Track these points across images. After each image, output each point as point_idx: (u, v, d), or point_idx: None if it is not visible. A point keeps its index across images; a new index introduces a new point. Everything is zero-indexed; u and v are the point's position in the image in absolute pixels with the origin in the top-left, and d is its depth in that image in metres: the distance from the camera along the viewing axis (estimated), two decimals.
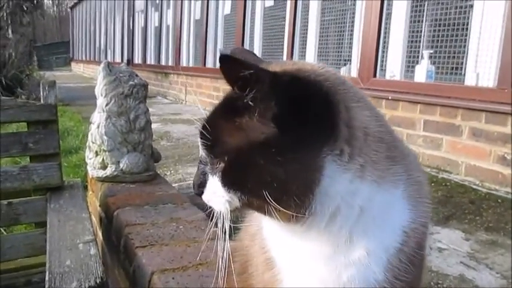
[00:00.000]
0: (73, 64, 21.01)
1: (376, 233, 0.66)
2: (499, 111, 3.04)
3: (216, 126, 0.65)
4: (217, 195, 0.66)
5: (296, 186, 0.61)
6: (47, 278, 1.22)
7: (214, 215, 0.68)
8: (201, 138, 0.67)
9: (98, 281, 1.19)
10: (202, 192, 0.67)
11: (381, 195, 0.65)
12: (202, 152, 0.68)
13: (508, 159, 2.96)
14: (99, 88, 2.30)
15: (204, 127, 0.66)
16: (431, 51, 3.87)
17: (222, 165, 0.64)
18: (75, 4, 20.56)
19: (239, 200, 0.63)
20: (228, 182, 0.64)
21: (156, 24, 10.28)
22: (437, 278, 1.76)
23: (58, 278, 1.21)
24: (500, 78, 3.13)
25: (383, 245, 0.67)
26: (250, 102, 0.61)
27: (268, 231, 0.74)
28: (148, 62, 10.68)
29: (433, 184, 3.08)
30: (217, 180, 0.65)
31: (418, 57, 4.18)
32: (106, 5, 14.79)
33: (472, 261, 1.92)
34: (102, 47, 15.60)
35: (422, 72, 3.80)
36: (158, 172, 3.02)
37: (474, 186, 3.05)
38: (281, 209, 0.61)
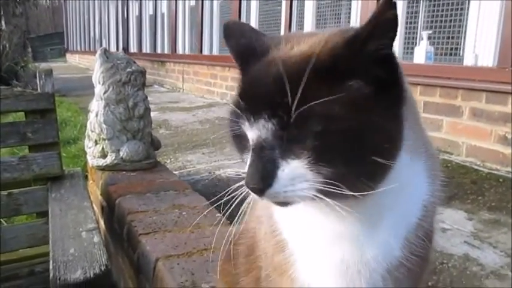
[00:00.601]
0: (68, 55, 20.82)
1: (401, 209, 0.65)
2: (500, 90, 3.02)
3: (305, 98, 0.54)
4: (298, 182, 0.56)
5: (398, 144, 0.58)
6: (51, 267, 1.21)
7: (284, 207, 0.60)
8: (274, 116, 0.55)
9: (102, 268, 1.18)
10: (271, 185, 0.56)
11: (409, 167, 0.63)
12: (268, 135, 0.56)
13: (509, 139, 2.95)
14: (97, 76, 2.27)
15: (280, 102, 0.55)
16: (430, 32, 3.83)
17: (312, 142, 0.55)
18: None
19: (326, 180, 0.55)
20: (326, 158, 0.55)
21: (151, 12, 10.18)
22: (442, 257, 1.75)
23: (62, 267, 1.20)
24: (500, 58, 3.10)
25: (405, 221, 0.66)
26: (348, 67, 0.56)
27: (282, 214, 0.71)
28: (144, 51, 10.60)
29: None
30: (302, 163, 0.55)
31: (416, 38, 4.14)
32: None
33: (476, 241, 1.92)
34: (97, 36, 15.45)
35: (421, 53, 3.76)
36: (158, 160, 3.01)
37: (475, 167, 3.05)
38: (377, 177, 0.57)
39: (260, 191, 0.56)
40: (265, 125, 0.56)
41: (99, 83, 2.25)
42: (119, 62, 2.25)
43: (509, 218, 2.19)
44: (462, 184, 2.70)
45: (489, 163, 3.06)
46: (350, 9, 4.92)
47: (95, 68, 2.28)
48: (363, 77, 0.56)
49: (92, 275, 1.15)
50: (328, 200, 0.56)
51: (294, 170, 0.56)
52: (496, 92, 3.05)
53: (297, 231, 0.69)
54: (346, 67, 0.56)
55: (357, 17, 4.41)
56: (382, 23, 0.55)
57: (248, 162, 0.58)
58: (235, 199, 0.64)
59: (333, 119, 0.54)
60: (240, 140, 0.61)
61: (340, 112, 0.54)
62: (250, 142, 0.58)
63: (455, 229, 2.04)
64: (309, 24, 5.32)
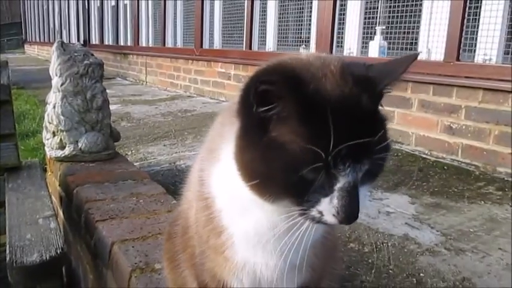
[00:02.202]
0: (26, 46, 20.13)
1: None
2: (445, 83, 3.21)
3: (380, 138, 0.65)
4: (365, 200, 0.69)
5: None
6: (7, 252, 1.26)
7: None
8: (368, 159, 0.64)
9: (58, 251, 1.24)
10: (358, 216, 0.66)
11: None
12: (360, 176, 0.65)
13: (454, 128, 3.15)
14: (54, 68, 2.29)
15: (370, 146, 0.64)
16: (384, 27, 4.00)
17: (371, 167, 0.65)
18: None
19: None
20: (378, 174, 0.70)
21: (113, 3, 10.00)
22: (383, 238, 1.90)
23: (19, 251, 1.25)
24: (446, 52, 3.29)
25: None
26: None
27: (227, 202, 0.79)
28: (106, 43, 10.41)
29: None
30: (365, 186, 0.68)
31: (374, 33, 4.30)
32: None
33: (416, 222, 2.08)
34: (57, 27, 15.01)
35: (375, 48, 3.93)
36: (119, 152, 3.05)
37: (423, 155, 3.24)
38: None
39: (353, 221, 0.66)
40: (361, 168, 0.64)
41: (56, 75, 2.27)
42: (76, 54, 2.27)
43: (449, 201, 2.37)
44: (409, 171, 2.88)
45: (436, 152, 3.25)
46: (311, 8, 5.02)
47: (52, 60, 2.29)
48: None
49: (48, 258, 1.21)
50: None
51: (364, 194, 0.68)
52: (442, 84, 3.24)
53: (238, 220, 0.79)
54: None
55: (317, 15, 4.52)
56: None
57: (342, 202, 0.64)
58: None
59: (388, 147, 0.67)
60: (305, 182, 0.64)
61: (386, 136, 0.67)
62: (344, 185, 0.63)
63: (399, 212, 2.19)
64: (271, 20, 5.40)
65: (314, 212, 0.66)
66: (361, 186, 0.66)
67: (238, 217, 0.79)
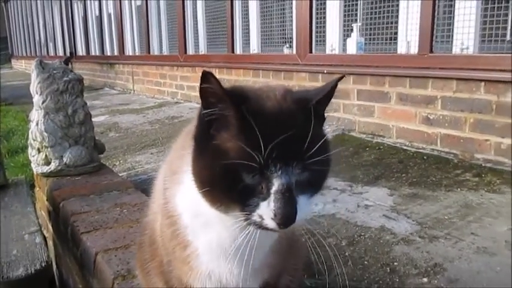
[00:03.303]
0: (13, 61, 20.09)
1: None
2: (421, 75, 3.29)
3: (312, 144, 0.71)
4: (307, 210, 0.73)
5: None
6: None
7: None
8: (299, 159, 0.70)
9: (43, 265, 1.31)
10: (295, 220, 0.70)
11: None
12: (293, 179, 0.70)
13: (431, 119, 3.23)
14: (34, 86, 2.35)
15: (301, 150, 0.70)
16: (360, 24, 4.08)
17: (308, 177, 0.72)
18: None
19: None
20: (318, 186, 0.76)
21: (97, 13, 10.02)
22: (360, 231, 1.97)
23: (5, 267, 1.31)
24: (420, 45, 3.38)
25: None
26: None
27: (191, 220, 0.85)
28: (92, 53, 10.44)
29: (367, 149, 3.33)
30: (307, 196, 0.74)
31: (351, 30, 4.38)
32: None
33: (393, 213, 2.16)
34: (43, 41, 15.01)
35: (352, 44, 4.01)
36: (107, 163, 3.11)
37: (404, 147, 3.32)
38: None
39: (290, 225, 0.70)
40: (293, 171, 0.70)
41: (37, 93, 2.33)
42: (55, 71, 2.33)
43: (427, 190, 2.45)
44: (390, 164, 2.96)
45: (416, 143, 3.34)
46: (292, 7, 5.08)
47: (32, 78, 2.35)
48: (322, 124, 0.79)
49: (33, 271, 1.27)
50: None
51: (305, 203, 0.73)
52: (418, 77, 3.32)
53: (202, 234, 0.85)
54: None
55: (296, 15, 4.58)
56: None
57: (278, 205, 0.68)
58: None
59: (321, 152, 0.72)
60: (238, 179, 0.70)
61: (323, 147, 0.72)
62: (278, 187, 0.68)
63: (377, 205, 2.27)
64: (254, 22, 5.46)
65: (255, 217, 0.71)
66: (301, 194, 0.72)
67: (202, 232, 0.85)
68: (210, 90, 0.70)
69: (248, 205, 0.71)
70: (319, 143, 0.71)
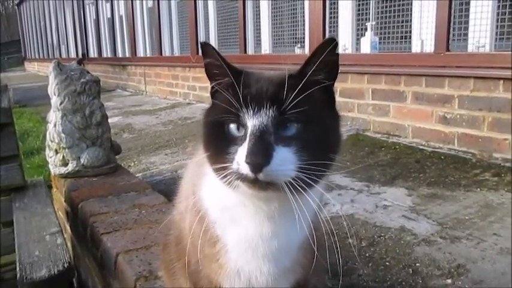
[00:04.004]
0: (26, 63, 20.34)
1: (314, 201, 0.85)
2: (437, 74, 3.26)
3: (302, 93, 0.73)
4: (287, 163, 0.71)
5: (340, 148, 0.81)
6: (17, 269, 1.33)
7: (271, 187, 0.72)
8: (273, 102, 0.73)
9: (65, 266, 1.31)
10: (269, 163, 0.69)
11: None
12: (268, 122, 0.72)
13: (448, 118, 3.19)
14: (52, 88, 2.36)
15: (278, 97, 0.73)
16: (374, 23, 4.05)
17: (294, 132, 0.73)
18: (22, 0, 19.78)
19: (299, 169, 0.72)
20: (306, 148, 0.73)
21: (109, 15, 10.10)
22: (380, 231, 1.95)
23: (28, 268, 1.32)
24: (436, 43, 3.34)
25: (312, 209, 0.84)
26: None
27: (218, 214, 0.85)
28: (104, 55, 10.52)
29: (383, 149, 3.29)
30: (290, 149, 0.72)
31: (365, 29, 4.35)
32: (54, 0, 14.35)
33: (412, 214, 2.13)
34: (55, 43, 15.18)
35: (366, 43, 3.98)
36: (122, 164, 3.12)
37: (421, 147, 3.28)
38: (328, 171, 0.78)
39: (259, 167, 0.69)
40: (267, 113, 0.72)
41: (55, 94, 2.34)
42: (72, 73, 2.34)
43: (445, 190, 2.42)
44: (407, 164, 2.93)
45: (432, 142, 3.30)
46: (304, 7, 5.06)
47: (50, 80, 2.36)
48: (318, 92, 0.78)
49: (56, 272, 1.27)
50: (290, 190, 0.72)
51: (285, 154, 0.71)
52: (434, 76, 3.29)
53: (230, 229, 0.85)
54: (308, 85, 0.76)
55: (309, 15, 4.57)
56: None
57: (248, 144, 0.70)
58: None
59: (311, 113, 0.73)
60: (226, 133, 0.75)
61: (314, 110, 0.74)
62: (251, 129, 0.71)
63: (396, 205, 2.25)
64: (265, 23, 5.46)
65: (235, 164, 0.72)
66: (283, 145, 0.72)
67: (230, 226, 0.85)
68: (212, 63, 0.78)
69: (231, 153, 0.73)
70: (302, 97, 0.73)
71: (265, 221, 0.81)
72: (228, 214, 0.84)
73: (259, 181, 0.70)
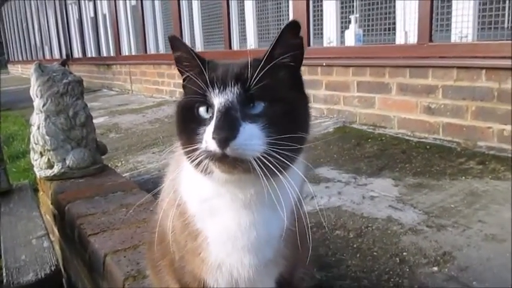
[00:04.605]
0: (10, 66, 20.05)
1: (292, 188, 0.85)
2: (421, 65, 3.28)
3: (267, 74, 0.76)
4: (255, 139, 0.73)
5: (309, 127, 0.84)
6: (4, 274, 1.32)
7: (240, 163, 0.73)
8: (238, 80, 0.76)
9: (53, 269, 1.30)
10: (235, 137, 0.71)
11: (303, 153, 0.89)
12: (233, 99, 0.75)
13: (432, 108, 3.22)
14: (34, 90, 2.34)
15: (244, 76, 0.76)
16: (358, 15, 4.06)
17: (264, 109, 0.75)
18: (2, 2, 19.45)
19: (268, 145, 0.73)
20: (273, 125, 0.75)
21: (92, 14, 9.98)
22: (367, 222, 1.97)
23: (15, 272, 1.31)
24: (419, 35, 3.36)
25: (291, 198, 0.86)
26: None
27: (197, 207, 0.86)
28: (88, 55, 10.41)
29: (369, 140, 3.32)
30: (257, 126, 0.74)
31: (349, 22, 4.36)
32: (35, 0, 14.14)
33: (399, 204, 2.15)
34: (38, 44, 14.97)
35: (351, 36, 3.99)
36: (109, 164, 3.10)
37: (407, 137, 3.31)
38: (299, 151, 0.79)
39: (226, 141, 0.70)
40: (232, 90, 0.75)
41: (37, 96, 2.32)
42: (54, 74, 2.32)
43: (431, 180, 2.45)
44: (393, 155, 2.95)
45: (418, 132, 3.33)
46: (288, 1, 5.05)
47: (32, 82, 2.34)
48: (284, 73, 0.81)
49: (43, 276, 1.26)
50: (261, 169, 0.73)
51: (252, 130, 0.73)
52: (418, 66, 3.31)
53: (210, 222, 0.86)
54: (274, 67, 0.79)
55: (293, 8, 4.57)
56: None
57: (214, 121, 0.72)
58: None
59: (276, 92, 0.77)
60: (196, 116, 0.78)
61: (280, 89, 0.78)
62: (217, 106, 0.74)
63: (382, 196, 2.27)
64: (250, 18, 5.44)
65: (203, 144, 0.74)
66: (250, 122, 0.74)
67: (210, 219, 0.85)
68: (182, 56, 0.82)
69: (199, 134, 0.76)
70: (268, 77, 0.76)
71: (242, 210, 0.82)
72: (206, 206, 0.85)
73: (228, 157, 0.71)
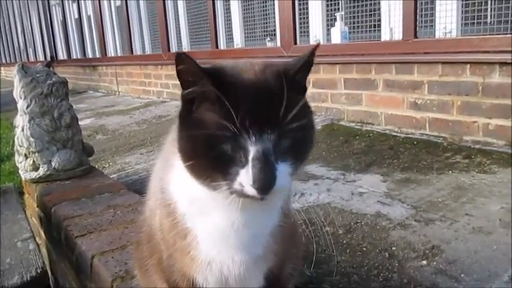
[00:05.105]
0: None
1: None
2: (406, 61, 3.30)
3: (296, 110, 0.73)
4: (287, 177, 0.74)
5: None
6: None
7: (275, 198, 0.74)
8: (275, 127, 0.70)
9: (38, 271, 1.28)
10: (275, 184, 0.70)
11: None
12: (270, 146, 0.70)
13: (419, 104, 3.25)
14: (17, 91, 2.30)
15: (277, 117, 0.71)
16: (343, 13, 4.07)
17: (288, 144, 0.73)
18: None
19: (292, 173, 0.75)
20: (299, 157, 0.75)
21: (76, 15, 9.87)
22: (356, 218, 1.97)
23: (0, 275, 1.28)
24: (404, 31, 3.38)
25: (282, 197, 0.86)
26: None
27: (188, 206, 0.85)
28: (73, 57, 10.29)
29: (357, 137, 3.33)
30: (287, 163, 0.73)
31: (334, 19, 4.38)
32: (18, 1, 13.94)
33: (387, 199, 2.16)
34: (22, 46, 14.76)
35: (337, 34, 4.00)
36: (96, 166, 3.07)
37: (394, 133, 3.33)
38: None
39: (268, 191, 0.70)
40: (269, 138, 0.70)
41: (21, 98, 2.28)
42: (38, 75, 2.28)
43: (419, 175, 2.46)
44: (381, 151, 2.97)
45: (405, 128, 3.35)
46: (274, 5, 5.05)
47: (15, 83, 2.30)
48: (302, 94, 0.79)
49: (28, 279, 1.24)
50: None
51: (284, 169, 0.73)
52: (404, 62, 3.33)
53: (200, 221, 0.85)
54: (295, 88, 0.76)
55: (279, 7, 4.56)
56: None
57: (252, 170, 0.69)
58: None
59: (303, 123, 0.74)
60: (219, 151, 0.71)
61: (303, 116, 0.74)
62: (254, 154, 0.69)
63: (371, 192, 2.28)
64: (236, 17, 5.43)
65: (236, 185, 0.71)
66: (281, 161, 0.72)
67: (200, 218, 0.84)
68: (187, 70, 0.73)
69: (229, 174, 0.72)
70: (297, 109, 0.72)
71: (235, 211, 0.81)
72: (197, 205, 0.83)
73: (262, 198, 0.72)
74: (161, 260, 0.94)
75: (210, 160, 0.72)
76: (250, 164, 0.70)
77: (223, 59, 5.17)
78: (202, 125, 0.72)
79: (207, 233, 0.84)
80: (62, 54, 11.02)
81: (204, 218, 0.84)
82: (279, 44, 4.57)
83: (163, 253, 0.92)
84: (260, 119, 0.70)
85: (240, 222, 0.82)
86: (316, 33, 4.33)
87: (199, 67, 0.72)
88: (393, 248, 1.69)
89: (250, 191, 0.70)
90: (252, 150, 0.70)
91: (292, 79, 0.75)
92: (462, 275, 1.48)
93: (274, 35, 4.99)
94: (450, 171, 2.46)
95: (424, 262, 1.57)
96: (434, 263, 1.56)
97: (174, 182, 0.86)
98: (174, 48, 6.45)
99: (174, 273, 0.92)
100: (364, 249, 1.70)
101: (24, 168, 2.35)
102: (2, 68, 17.62)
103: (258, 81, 0.74)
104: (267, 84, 0.74)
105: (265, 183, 0.69)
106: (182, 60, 0.72)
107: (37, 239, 2.13)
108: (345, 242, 1.77)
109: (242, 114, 0.69)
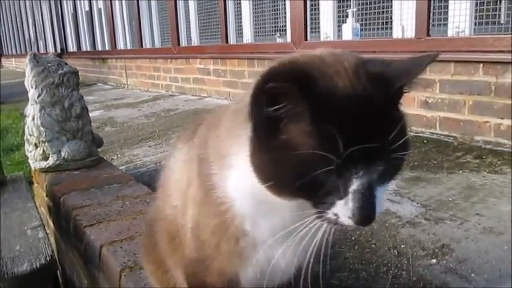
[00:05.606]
0: (3, 60, 19.85)
1: None
2: None
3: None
4: (382, 201, 0.67)
5: None
6: None
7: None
8: (382, 160, 0.62)
9: (48, 259, 1.28)
10: (375, 216, 0.65)
11: None
12: (375, 177, 0.63)
13: (430, 103, 3.22)
14: (29, 80, 2.31)
15: (384, 146, 0.62)
16: (355, 9, 4.05)
17: (391, 169, 0.66)
18: None
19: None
20: (397, 173, 0.69)
21: (87, 8, 9.90)
22: None
23: (9, 262, 1.29)
24: (416, 29, 3.35)
25: None
26: None
27: (250, 208, 0.76)
28: (83, 49, 10.33)
29: None
30: (383, 187, 0.67)
31: (346, 16, 4.35)
32: None
33: (396, 197, 2.14)
34: (33, 38, 14.85)
35: (348, 30, 3.98)
36: (105, 157, 3.08)
37: None
38: None
39: (369, 224, 0.65)
40: (376, 170, 0.62)
41: (32, 87, 2.29)
42: (49, 64, 2.29)
43: (429, 173, 2.44)
44: None
45: (415, 127, 3.32)
46: (285, 3, 5.02)
47: (26, 73, 2.31)
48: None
49: (38, 266, 1.25)
50: None
51: (381, 195, 0.66)
52: None
53: (263, 223, 0.77)
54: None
55: (290, 3, 4.54)
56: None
57: (353, 202, 0.62)
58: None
59: (408, 142, 0.67)
60: (311, 177, 0.61)
61: (407, 134, 0.67)
62: (358, 187, 0.61)
63: None
64: (246, 12, 5.41)
65: (330, 215, 0.64)
66: (379, 186, 0.65)
67: (264, 220, 0.77)
68: (278, 88, 0.60)
69: (322, 202, 0.64)
70: (399, 129, 0.63)
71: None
72: (263, 207, 0.74)
73: None
74: (191, 259, 0.86)
75: (300, 187, 0.62)
76: (350, 196, 0.62)
77: (233, 54, 5.17)
78: (293, 149, 0.61)
79: (269, 235, 0.77)
80: (71, 46, 11.07)
81: (268, 219, 0.76)
82: (289, 40, 4.55)
83: (193, 253, 0.85)
84: (368, 149, 0.59)
85: (301, 230, 0.75)
86: (326, 29, 4.30)
87: (291, 85, 0.60)
88: (402, 246, 1.67)
89: (347, 222, 0.64)
90: (356, 183, 0.61)
91: (398, 92, 0.66)
92: (472, 275, 1.46)
93: (284, 30, 4.97)
94: (461, 171, 2.44)
95: (434, 260, 1.56)
96: (444, 261, 1.55)
97: (232, 181, 0.75)
98: (183, 42, 6.44)
99: (210, 272, 0.85)
100: (372, 246, 1.69)
101: (34, 157, 2.36)
102: (13, 59, 17.73)
103: (357, 92, 0.62)
104: (368, 96, 0.62)
105: (366, 217, 0.63)
106: (272, 79, 0.60)
107: (46, 228, 2.14)
108: (353, 238, 1.76)
109: (346, 142, 0.59)
